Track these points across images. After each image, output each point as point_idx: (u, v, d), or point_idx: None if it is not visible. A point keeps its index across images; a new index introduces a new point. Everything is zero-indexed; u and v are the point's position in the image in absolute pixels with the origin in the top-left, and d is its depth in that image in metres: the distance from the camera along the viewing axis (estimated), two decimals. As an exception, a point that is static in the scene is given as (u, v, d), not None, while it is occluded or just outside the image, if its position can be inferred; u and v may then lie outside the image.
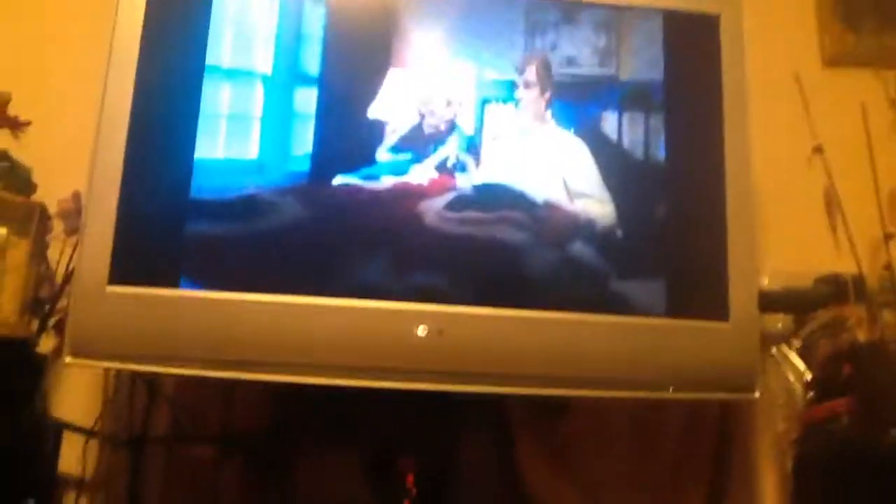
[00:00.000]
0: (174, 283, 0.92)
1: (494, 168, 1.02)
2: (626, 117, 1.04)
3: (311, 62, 1.02)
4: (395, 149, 1.02)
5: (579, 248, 1.00)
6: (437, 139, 1.03)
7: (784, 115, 1.20)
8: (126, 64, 0.95)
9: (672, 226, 1.02)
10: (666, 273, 1.01)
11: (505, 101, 1.04)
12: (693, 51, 1.06)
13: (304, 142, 1.00)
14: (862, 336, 1.09)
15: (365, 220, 0.98)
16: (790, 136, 1.19)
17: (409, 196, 1.00)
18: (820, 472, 1.02)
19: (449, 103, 1.04)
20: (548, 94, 1.04)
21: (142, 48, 0.96)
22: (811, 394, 1.12)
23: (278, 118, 1.00)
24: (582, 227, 1.01)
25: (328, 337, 0.92)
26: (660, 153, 1.03)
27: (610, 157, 1.03)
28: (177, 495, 1.13)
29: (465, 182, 1.01)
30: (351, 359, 0.92)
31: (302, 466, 1.11)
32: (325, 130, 1.00)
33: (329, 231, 0.98)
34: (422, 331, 0.93)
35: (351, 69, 1.04)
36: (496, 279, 0.98)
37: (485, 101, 1.04)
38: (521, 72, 1.04)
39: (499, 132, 1.04)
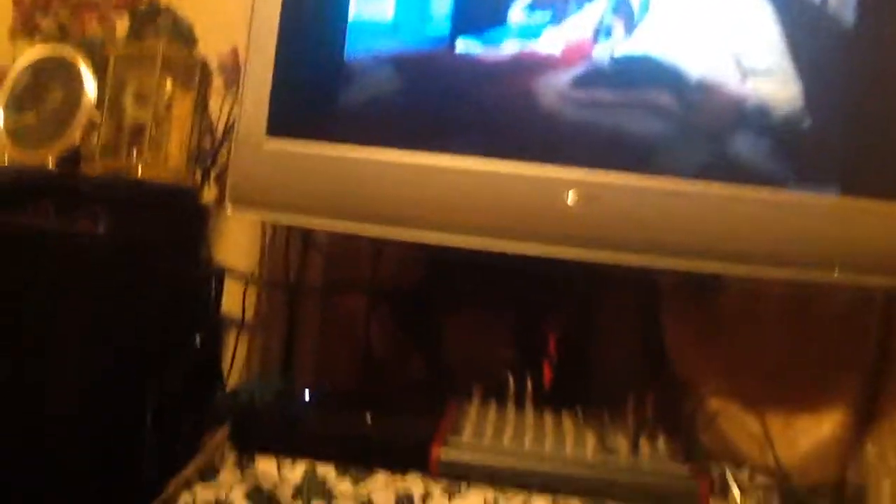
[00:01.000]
0: (329, 139, 0.93)
1: (646, 34, 0.92)
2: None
3: None
4: (532, 6, 0.94)
5: (746, 129, 0.93)
6: None
7: None
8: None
9: (856, 99, 0.93)
10: (844, 149, 0.93)
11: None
12: None
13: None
14: None
15: (487, 92, 0.94)
16: None
17: (529, 68, 0.92)
18: None
19: None
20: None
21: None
22: None
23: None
24: (751, 112, 0.92)
25: (477, 198, 0.92)
26: (847, 13, 0.93)
27: (795, 20, 0.93)
28: (329, 341, 1.19)
29: (603, 51, 0.92)
30: (498, 222, 0.92)
31: (447, 324, 1.14)
32: None
33: (467, 96, 0.95)
34: (571, 197, 0.91)
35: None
36: (649, 149, 0.92)
37: None
38: None
39: None
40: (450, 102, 0.95)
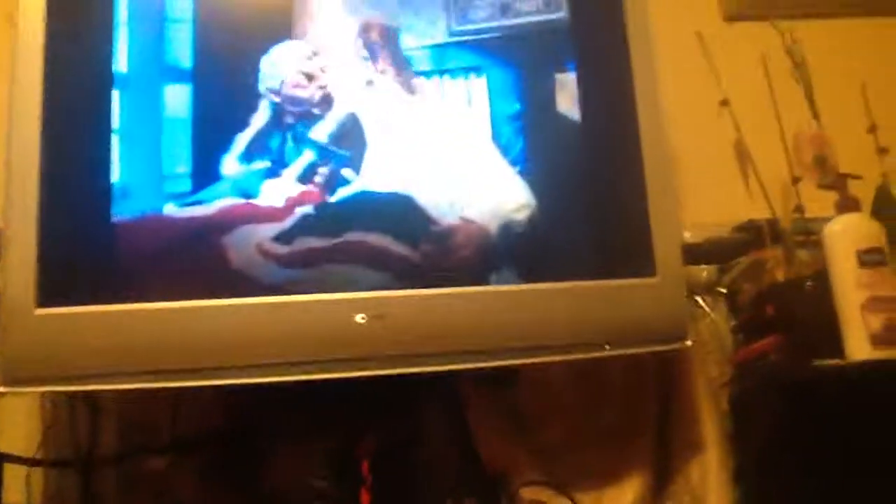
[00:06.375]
0: (103, 300, 0.91)
1: (371, 173, 0.95)
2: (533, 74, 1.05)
3: (181, 50, 0.97)
4: (247, 155, 0.94)
5: (501, 231, 1.00)
6: (302, 136, 0.96)
7: (689, 72, 1.24)
8: (30, 86, 0.92)
9: (593, 190, 1.05)
10: (592, 237, 1.04)
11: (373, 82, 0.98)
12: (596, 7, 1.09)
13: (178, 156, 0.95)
14: (780, 276, 1.14)
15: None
16: (697, 92, 1.23)
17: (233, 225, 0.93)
18: (753, 408, 1.07)
19: (313, 77, 0.95)
20: (399, 68, 0.99)
21: (45, 66, 0.93)
22: (739, 336, 1.17)
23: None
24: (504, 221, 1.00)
25: (269, 334, 0.92)
26: (573, 114, 1.05)
27: (517, 126, 1.04)
28: (133, 510, 1.11)
29: (321, 197, 0.94)
30: (293, 353, 0.92)
31: (258, 465, 1.11)
32: (200, 140, 0.95)
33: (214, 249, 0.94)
34: (361, 317, 0.94)
35: (228, 51, 0.99)
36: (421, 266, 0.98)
37: (361, 80, 0.98)
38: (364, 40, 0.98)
39: (374, 121, 0.98)
40: (212, 255, 0.94)
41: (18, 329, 0.89)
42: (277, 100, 0.96)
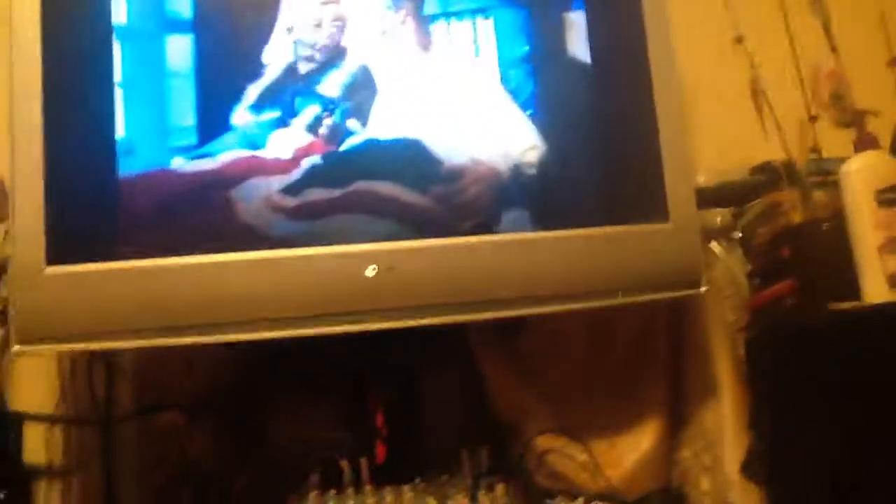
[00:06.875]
0: (112, 257, 0.90)
1: (381, 121, 0.94)
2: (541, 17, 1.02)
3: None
4: (258, 106, 0.93)
5: (511, 172, 0.99)
6: (313, 86, 0.94)
7: (702, 8, 1.21)
8: (30, 43, 0.90)
9: (605, 133, 1.03)
10: (604, 182, 1.02)
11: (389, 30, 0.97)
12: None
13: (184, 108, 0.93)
14: (797, 218, 1.12)
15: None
16: (710, 29, 1.20)
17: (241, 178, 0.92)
18: (769, 353, 1.06)
19: (323, 24, 0.94)
20: (420, 19, 0.98)
21: (43, 22, 0.91)
22: (755, 281, 1.15)
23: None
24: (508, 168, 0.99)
25: (281, 288, 0.92)
26: (583, 55, 1.03)
27: (526, 69, 1.01)
28: (152, 468, 1.12)
29: (329, 147, 0.94)
30: (303, 308, 0.92)
31: (272, 420, 1.12)
32: (206, 91, 0.94)
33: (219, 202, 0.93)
34: (371, 270, 0.93)
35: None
36: (429, 216, 0.97)
37: (377, 30, 0.97)
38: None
39: (386, 70, 0.96)
40: (221, 209, 0.93)
41: (29, 288, 0.89)
42: (288, 47, 0.94)
